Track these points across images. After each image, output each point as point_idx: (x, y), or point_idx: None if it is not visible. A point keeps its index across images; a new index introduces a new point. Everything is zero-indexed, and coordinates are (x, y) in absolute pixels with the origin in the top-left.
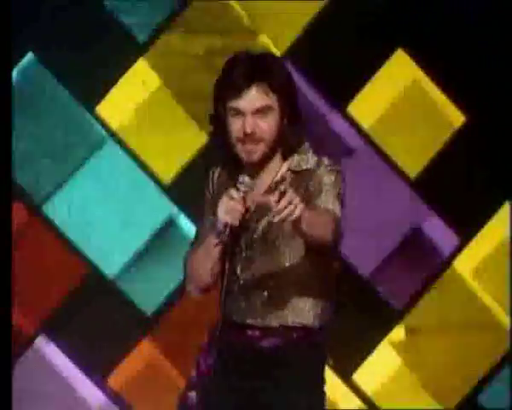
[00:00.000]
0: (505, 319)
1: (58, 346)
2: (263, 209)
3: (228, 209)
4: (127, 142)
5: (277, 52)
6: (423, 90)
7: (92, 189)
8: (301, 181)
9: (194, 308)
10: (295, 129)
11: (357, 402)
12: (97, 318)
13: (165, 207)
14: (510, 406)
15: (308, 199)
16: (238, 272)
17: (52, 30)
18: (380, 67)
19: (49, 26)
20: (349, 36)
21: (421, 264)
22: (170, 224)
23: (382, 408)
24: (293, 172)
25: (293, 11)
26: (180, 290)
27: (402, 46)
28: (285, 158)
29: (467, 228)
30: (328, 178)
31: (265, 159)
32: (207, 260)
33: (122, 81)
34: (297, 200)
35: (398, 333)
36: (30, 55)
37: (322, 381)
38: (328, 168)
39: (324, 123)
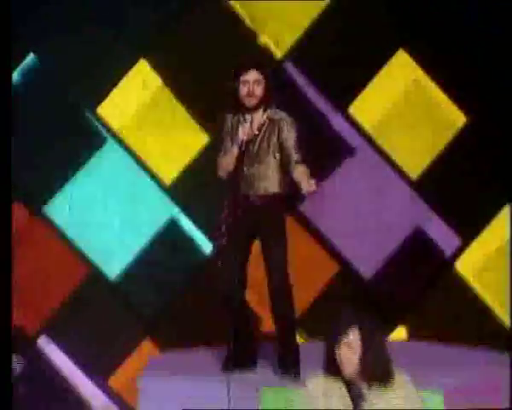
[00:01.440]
0: (505, 320)
1: (59, 346)
2: (259, 143)
3: (243, 131)
4: (128, 142)
5: (278, 53)
6: (424, 91)
7: (93, 189)
8: (273, 126)
9: (193, 309)
10: (270, 93)
11: None
12: (98, 318)
13: (167, 208)
14: (510, 406)
15: (280, 141)
16: (245, 170)
17: (52, 31)
18: (381, 68)
19: (49, 27)
20: (350, 37)
21: (423, 265)
22: (171, 224)
23: None
24: (269, 119)
25: (294, 12)
26: (180, 291)
27: (403, 47)
28: (265, 110)
29: (468, 229)
30: (290, 127)
31: (256, 107)
32: (230, 160)
33: (123, 82)
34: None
35: (399, 333)
36: (30, 56)
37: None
38: (288, 120)
39: (326, 123)
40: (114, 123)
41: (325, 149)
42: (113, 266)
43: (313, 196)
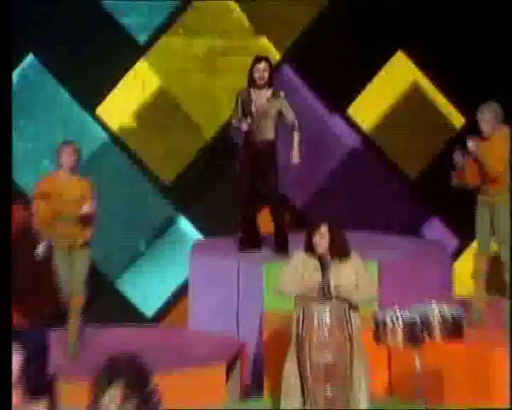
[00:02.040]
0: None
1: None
2: (263, 109)
3: (254, 103)
4: (127, 143)
5: (277, 54)
6: (423, 92)
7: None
8: (275, 100)
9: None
10: (272, 78)
11: None
12: (98, 318)
13: (166, 208)
14: (511, 406)
15: (282, 114)
16: (254, 126)
17: (52, 31)
18: (380, 69)
19: (49, 28)
20: (349, 38)
21: None
22: (170, 224)
23: None
24: (272, 94)
25: (293, 13)
26: (180, 291)
27: (402, 48)
28: (269, 88)
29: (466, 229)
30: (288, 106)
31: (264, 86)
32: (242, 125)
33: (122, 82)
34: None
35: None
36: (30, 57)
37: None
38: (285, 98)
39: (324, 125)
40: (114, 123)
41: (324, 150)
42: (113, 265)
43: None
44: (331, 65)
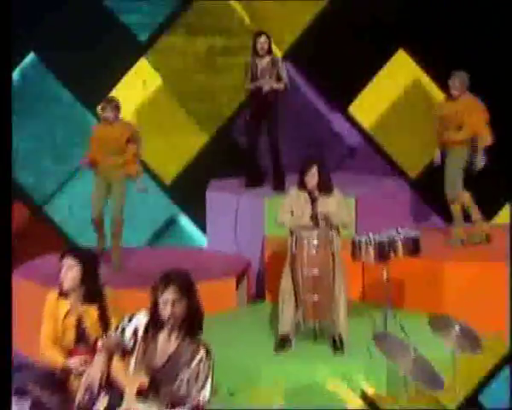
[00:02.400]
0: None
1: None
2: (266, 71)
3: (262, 64)
4: None
5: (278, 52)
6: (424, 91)
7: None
8: (275, 63)
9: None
10: (271, 45)
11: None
12: None
13: (166, 207)
14: (510, 406)
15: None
16: (261, 80)
17: (53, 30)
18: (381, 68)
19: (49, 27)
20: (350, 37)
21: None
22: (171, 223)
23: None
24: (272, 60)
25: (294, 12)
26: None
27: (403, 47)
28: (269, 55)
29: None
30: (283, 66)
31: (265, 55)
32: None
33: (123, 81)
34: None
35: None
36: (31, 56)
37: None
38: (282, 64)
39: (326, 123)
40: None
41: (325, 148)
42: None
43: None
44: (332, 64)
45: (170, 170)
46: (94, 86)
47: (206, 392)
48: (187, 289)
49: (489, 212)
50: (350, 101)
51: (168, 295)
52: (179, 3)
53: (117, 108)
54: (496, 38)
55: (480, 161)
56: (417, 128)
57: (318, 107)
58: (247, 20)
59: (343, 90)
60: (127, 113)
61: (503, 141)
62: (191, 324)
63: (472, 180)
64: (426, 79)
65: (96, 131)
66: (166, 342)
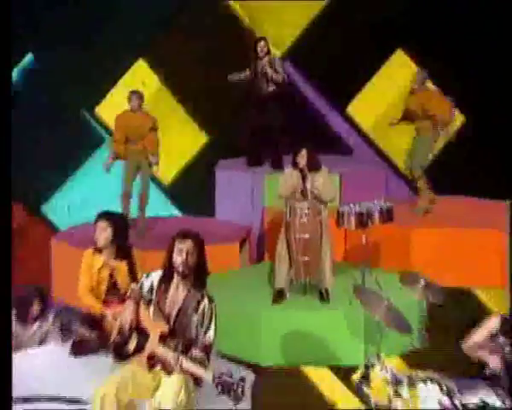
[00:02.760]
0: None
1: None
2: (265, 70)
3: (262, 64)
4: None
5: (277, 52)
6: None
7: (91, 189)
8: (272, 62)
9: None
10: (269, 48)
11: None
12: None
13: (165, 207)
14: (511, 406)
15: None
16: (259, 81)
17: (52, 30)
18: (379, 68)
19: (49, 27)
20: (349, 37)
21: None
22: None
23: None
24: (269, 60)
25: (293, 12)
26: None
27: (401, 47)
28: (268, 56)
29: None
30: (280, 64)
31: (263, 57)
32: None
33: (121, 82)
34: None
35: None
36: (30, 56)
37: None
38: (279, 61)
39: (324, 123)
40: (113, 123)
41: (324, 148)
42: None
43: None
44: (331, 64)
45: (169, 170)
46: (93, 86)
47: (211, 333)
48: (199, 246)
49: None
50: (349, 101)
51: (183, 246)
52: (178, 4)
53: (141, 98)
54: (496, 38)
55: (447, 137)
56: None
57: (317, 107)
58: (246, 20)
59: (342, 90)
60: None
61: (503, 141)
62: (197, 277)
63: (470, 178)
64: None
65: (120, 120)
66: (176, 293)
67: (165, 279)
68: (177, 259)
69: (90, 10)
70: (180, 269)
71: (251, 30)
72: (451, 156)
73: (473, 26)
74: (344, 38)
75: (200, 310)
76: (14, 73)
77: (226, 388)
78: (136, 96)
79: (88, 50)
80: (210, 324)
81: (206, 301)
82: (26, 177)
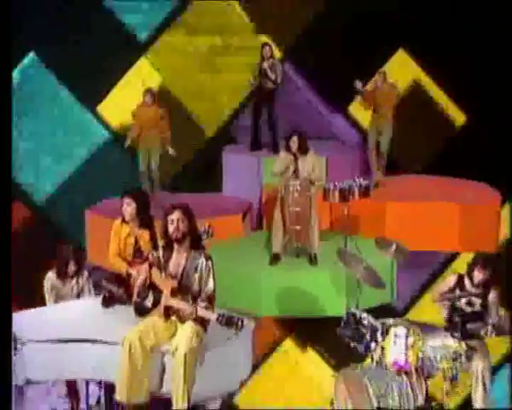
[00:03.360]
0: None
1: None
2: (267, 70)
3: (263, 68)
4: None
5: (278, 52)
6: (424, 90)
7: (93, 188)
8: (274, 64)
9: None
10: (272, 52)
11: None
12: None
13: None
14: (511, 406)
15: (275, 69)
16: (263, 79)
17: (53, 30)
18: (381, 68)
19: (49, 27)
20: (350, 37)
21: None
22: None
23: None
24: (272, 62)
25: (294, 12)
26: None
27: (403, 47)
28: (272, 58)
29: None
30: (280, 66)
31: (268, 58)
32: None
33: (123, 81)
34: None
35: None
36: (31, 55)
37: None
38: (280, 63)
39: (325, 123)
40: (114, 121)
41: (325, 148)
42: None
43: None
44: (332, 64)
45: (169, 169)
46: (94, 86)
47: (211, 285)
48: (188, 213)
49: None
50: (350, 101)
51: (173, 216)
52: (179, 3)
53: (153, 95)
54: (496, 37)
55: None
56: (418, 128)
57: (318, 107)
58: (247, 19)
59: (343, 90)
60: (127, 112)
61: (503, 140)
62: (193, 239)
63: (472, 178)
64: (426, 79)
65: (137, 112)
66: (178, 256)
67: (167, 247)
68: (170, 227)
69: (90, 10)
70: (174, 236)
71: (252, 29)
72: (452, 156)
73: (474, 25)
74: (345, 38)
75: (199, 267)
76: (15, 73)
77: (228, 321)
78: (150, 93)
79: (88, 50)
80: (208, 277)
81: (202, 260)
82: (27, 177)
